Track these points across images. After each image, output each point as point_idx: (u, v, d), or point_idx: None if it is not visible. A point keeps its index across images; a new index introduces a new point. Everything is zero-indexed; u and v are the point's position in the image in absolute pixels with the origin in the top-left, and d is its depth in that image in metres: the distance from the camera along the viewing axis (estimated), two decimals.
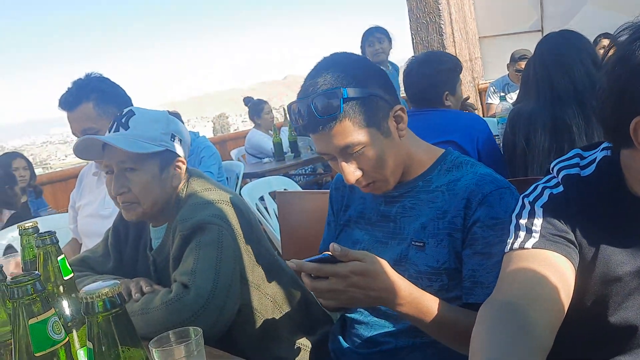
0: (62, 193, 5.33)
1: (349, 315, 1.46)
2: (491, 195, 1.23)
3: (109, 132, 1.53)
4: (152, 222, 1.63)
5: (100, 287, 0.52)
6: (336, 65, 1.26)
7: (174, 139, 1.57)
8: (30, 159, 4.64)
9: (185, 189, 1.60)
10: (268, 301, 1.58)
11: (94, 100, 2.11)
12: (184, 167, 1.60)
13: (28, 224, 1.16)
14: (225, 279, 1.42)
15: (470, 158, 1.38)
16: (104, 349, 0.53)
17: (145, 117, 1.55)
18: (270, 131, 5.49)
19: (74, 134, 2.15)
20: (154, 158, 1.53)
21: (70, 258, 1.82)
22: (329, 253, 1.07)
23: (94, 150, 1.56)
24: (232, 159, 6.04)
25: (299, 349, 1.61)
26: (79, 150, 1.59)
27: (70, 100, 2.11)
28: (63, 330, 0.66)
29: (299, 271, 1.09)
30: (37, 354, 0.64)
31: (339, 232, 1.53)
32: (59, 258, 0.97)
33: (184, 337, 1.04)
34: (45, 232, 0.97)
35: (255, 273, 1.56)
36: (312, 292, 1.20)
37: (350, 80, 1.23)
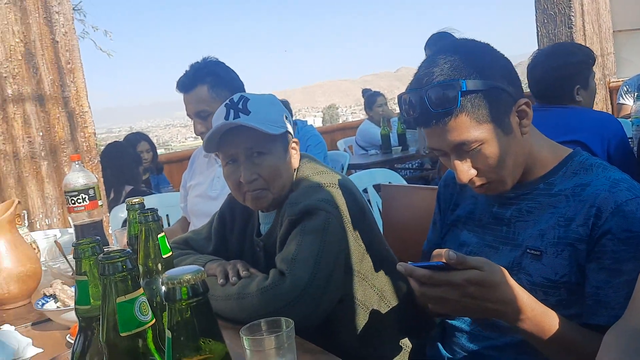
0: (178, 173, 5.63)
1: (449, 321, 1.36)
2: (626, 204, 1.08)
3: (226, 119, 1.46)
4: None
5: (182, 272, 0.49)
6: (455, 53, 1.15)
7: (288, 120, 1.54)
8: (154, 140, 4.92)
9: (296, 172, 1.55)
10: (374, 294, 1.49)
11: (209, 83, 2.16)
12: (298, 147, 1.56)
13: (135, 199, 1.18)
14: (326, 269, 1.35)
15: (602, 161, 1.22)
16: (182, 339, 0.49)
17: (261, 100, 1.51)
18: (385, 127, 5.39)
19: (188, 115, 2.23)
20: (278, 140, 1.49)
21: (179, 236, 1.89)
22: (443, 261, 0.99)
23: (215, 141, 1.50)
24: (338, 150, 6.04)
25: (400, 348, 1.52)
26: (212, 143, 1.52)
27: (187, 83, 2.19)
28: (150, 312, 0.64)
29: (407, 274, 1.02)
30: (123, 334, 0.62)
31: (445, 233, 1.43)
32: (159, 236, 0.97)
33: (275, 327, 1.01)
34: (147, 209, 0.98)
35: (363, 263, 1.48)
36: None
37: (471, 71, 1.12)
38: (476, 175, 1.18)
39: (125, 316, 0.62)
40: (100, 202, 2.25)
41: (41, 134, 2.96)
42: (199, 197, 2.37)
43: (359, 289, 1.47)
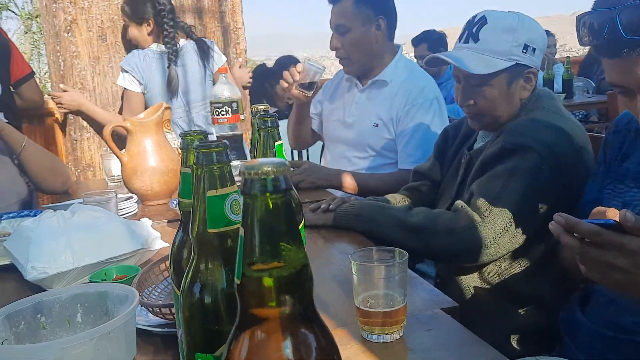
0: None
1: (598, 287, 1.17)
2: None
3: (459, 41, 1.51)
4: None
5: (263, 163, 0.41)
6: None
7: (527, 50, 1.44)
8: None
9: (529, 103, 1.49)
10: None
11: None
12: (535, 78, 1.50)
13: (261, 106, 1.14)
14: (525, 220, 1.32)
15: None
16: (255, 240, 0.41)
17: (498, 26, 1.45)
18: (550, 71, 4.86)
19: (330, 28, 2.15)
20: (502, 72, 1.45)
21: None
22: (615, 220, 0.81)
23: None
24: None
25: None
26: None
27: None
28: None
29: (567, 227, 0.84)
30: (211, 231, 0.57)
31: (605, 186, 1.20)
32: (277, 143, 0.92)
33: (388, 257, 0.92)
34: (267, 113, 0.92)
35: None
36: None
37: None
38: None
39: (214, 212, 0.57)
40: (242, 117, 2.29)
41: None
42: (336, 121, 2.31)
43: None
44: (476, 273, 1.43)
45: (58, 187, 2.14)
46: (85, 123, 2.98)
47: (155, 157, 1.93)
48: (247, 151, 2.43)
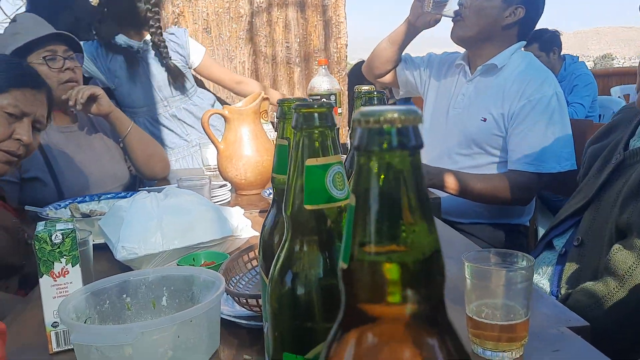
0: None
1: None
2: None
3: None
4: None
5: (387, 109, 0.30)
6: None
7: None
8: None
9: None
10: None
11: None
12: None
13: (365, 87, 1.04)
14: None
15: None
16: (370, 213, 0.31)
17: None
18: None
19: None
20: None
21: None
22: None
23: None
24: (611, 96, 5.15)
25: None
26: None
27: None
28: (347, 189, 0.48)
29: None
30: (308, 207, 0.47)
31: None
32: None
33: (509, 261, 0.78)
34: (374, 92, 0.81)
35: None
36: None
37: None
38: None
39: (313, 185, 0.47)
40: (340, 110, 2.20)
41: (298, 40, 3.04)
42: (439, 113, 2.12)
43: None
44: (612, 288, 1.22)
45: (158, 173, 2.16)
46: None
47: (250, 146, 1.89)
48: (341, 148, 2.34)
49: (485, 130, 1.92)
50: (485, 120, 1.92)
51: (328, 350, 0.34)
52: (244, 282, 1.01)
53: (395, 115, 0.30)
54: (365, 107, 0.31)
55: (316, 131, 0.47)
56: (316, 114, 0.47)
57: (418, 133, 0.30)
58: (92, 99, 1.90)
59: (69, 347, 0.83)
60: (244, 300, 0.84)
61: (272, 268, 0.50)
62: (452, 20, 1.97)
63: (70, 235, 0.89)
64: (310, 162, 0.46)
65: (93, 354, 0.76)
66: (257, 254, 1.05)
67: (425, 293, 0.31)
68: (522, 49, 2.03)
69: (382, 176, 0.31)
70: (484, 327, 0.76)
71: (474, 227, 1.97)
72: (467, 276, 0.77)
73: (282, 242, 0.50)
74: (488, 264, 0.78)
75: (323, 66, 2.22)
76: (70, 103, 1.86)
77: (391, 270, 0.31)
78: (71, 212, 1.53)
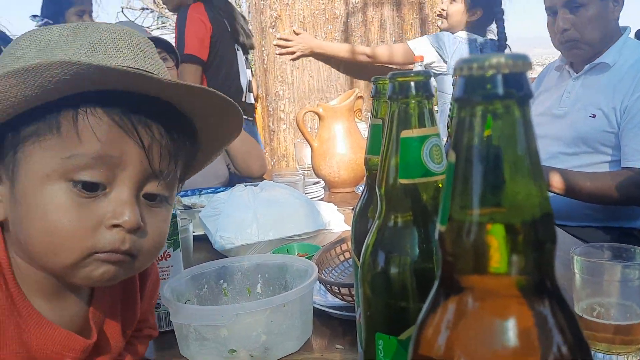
0: None
1: None
2: None
3: None
4: None
5: (492, 55, 0.27)
6: None
7: None
8: None
9: None
10: None
11: None
12: None
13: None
14: None
15: None
16: (474, 169, 0.28)
17: None
18: None
19: (548, 8, 1.87)
20: None
21: None
22: None
23: None
24: None
25: None
26: None
27: None
28: (445, 163, 0.45)
29: None
30: (403, 181, 0.45)
31: None
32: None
33: (622, 256, 0.71)
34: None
35: None
36: None
37: None
38: None
39: (409, 157, 0.45)
40: (436, 108, 2.15)
41: (393, 39, 3.00)
42: (542, 115, 2.02)
43: None
44: None
45: (255, 171, 2.22)
46: (282, 115, 3.10)
47: (344, 144, 1.88)
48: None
49: (594, 127, 1.79)
50: (594, 116, 1.79)
51: (422, 324, 0.32)
52: (335, 274, 1.00)
53: (502, 60, 0.27)
54: (467, 57, 0.29)
55: (413, 101, 0.45)
56: (412, 83, 0.44)
57: (527, 81, 0.28)
58: None
59: (170, 329, 0.86)
60: (337, 289, 0.83)
61: (364, 246, 0.49)
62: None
63: (172, 220, 0.93)
64: (405, 133, 0.44)
65: (191, 334, 0.78)
66: (349, 246, 1.04)
67: (536, 261, 0.28)
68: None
69: (487, 129, 0.28)
70: (595, 327, 0.69)
71: (582, 230, 1.83)
72: (576, 271, 0.71)
73: (375, 219, 0.49)
74: (600, 258, 0.72)
75: (419, 63, 2.18)
76: None
77: (496, 233, 0.28)
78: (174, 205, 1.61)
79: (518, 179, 0.28)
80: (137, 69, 0.54)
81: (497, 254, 0.28)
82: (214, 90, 0.59)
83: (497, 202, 0.28)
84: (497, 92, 0.27)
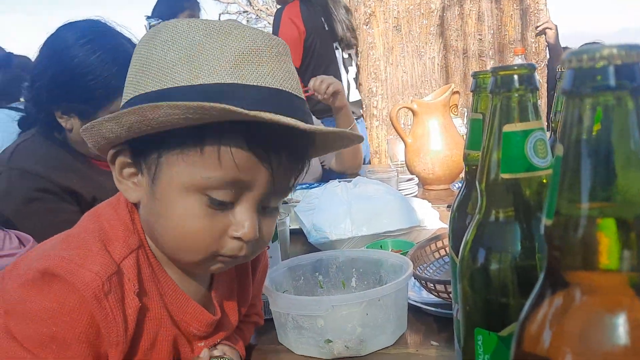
0: None
1: None
2: None
3: None
4: None
5: (601, 45, 0.26)
6: None
7: None
8: None
9: None
10: None
11: None
12: None
13: None
14: None
15: None
16: (584, 161, 0.27)
17: None
18: None
19: None
20: None
21: None
22: None
23: None
24: None
25: None
26: None
27: None
28: (550, 158, 0.44)
29: None
30: (505, 176, 0.44)
31: None
32: None
33: None
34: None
35: None
36: None
37: None
38: None
39: (511, 152, 0.44)
40: (539, 102, 2.06)
41: (492, 32, 2.91)
42: None
43: None
44: None
45: (356, 167, 2.19)
46: (375, 111, 3.10)
47: (439, 140, 1.85)
48: None
49: None
50: None
51: (525, 320, 0.32)
52: (430, 271, 0.99)
53: (614, 51, 0.26)
54: (575, 49, 0.28)
55: (516, 94, 0.44)
56: (516, 76, 0.44)
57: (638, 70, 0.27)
58: (335, 93, 1.94)
59: (268, 317, 0.90)
60: (432, 286, 0.83)
61: (463, 241, 0.49)
62: None
63: None
64: (508, 127, 0.44)
65: (289, 322, 0.81)
66: (444, 243, 1.03)
67: None
68: None
69: (597, 122, 0.27)
70: None
71: None
72: None
73: (475, 214, 0.48)
74: None
75: (519, 55, 2.10)
76: (311, 92, 1.92)
77: (607, 229, 0.27)
78: None
79: (630, 173, 0.27)
80: (279, 99, 0.58)
81: (608, 249, 0.28)
82: (346, 131, 0.65)
83: (608, 196, 0.27)
84: (608, 83, 0.27)
